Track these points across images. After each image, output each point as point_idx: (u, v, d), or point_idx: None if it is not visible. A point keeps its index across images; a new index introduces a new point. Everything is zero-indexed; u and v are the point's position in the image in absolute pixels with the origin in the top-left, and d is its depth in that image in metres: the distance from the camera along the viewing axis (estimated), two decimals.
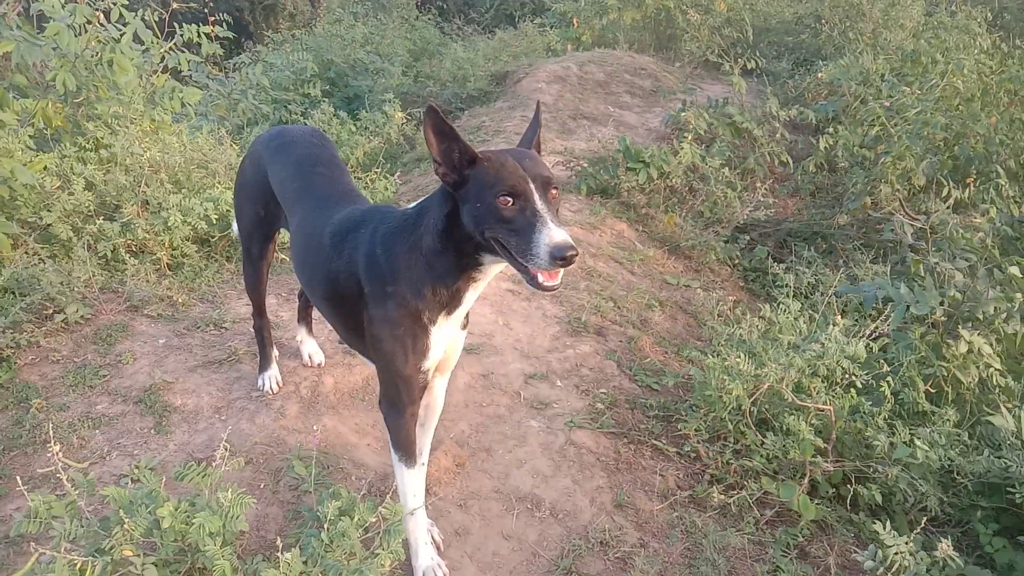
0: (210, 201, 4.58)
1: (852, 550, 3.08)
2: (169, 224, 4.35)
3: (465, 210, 2.13)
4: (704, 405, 3.44)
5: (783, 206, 7.08)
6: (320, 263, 2.56)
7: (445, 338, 2.43)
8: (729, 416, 3.36)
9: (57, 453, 2.36)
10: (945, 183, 6.16)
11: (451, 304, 2.32)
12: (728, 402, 3.29)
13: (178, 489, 2.75)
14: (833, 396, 3.39)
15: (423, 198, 2.38)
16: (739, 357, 3.19)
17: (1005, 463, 3.26)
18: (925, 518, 3.41)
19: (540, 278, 2.03)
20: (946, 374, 3.74)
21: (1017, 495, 3.18)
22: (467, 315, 2.52)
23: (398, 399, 2.47)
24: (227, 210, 4.64)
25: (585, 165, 5.94)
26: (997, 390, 3.79)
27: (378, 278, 2.38)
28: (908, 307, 3.73)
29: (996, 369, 3.71)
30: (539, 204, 2.01)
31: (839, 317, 3.60)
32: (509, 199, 2.03)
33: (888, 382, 3.38)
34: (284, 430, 3.26)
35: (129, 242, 4.35)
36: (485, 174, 2.08)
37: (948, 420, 3.48)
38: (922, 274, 4.32)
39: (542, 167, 2.12)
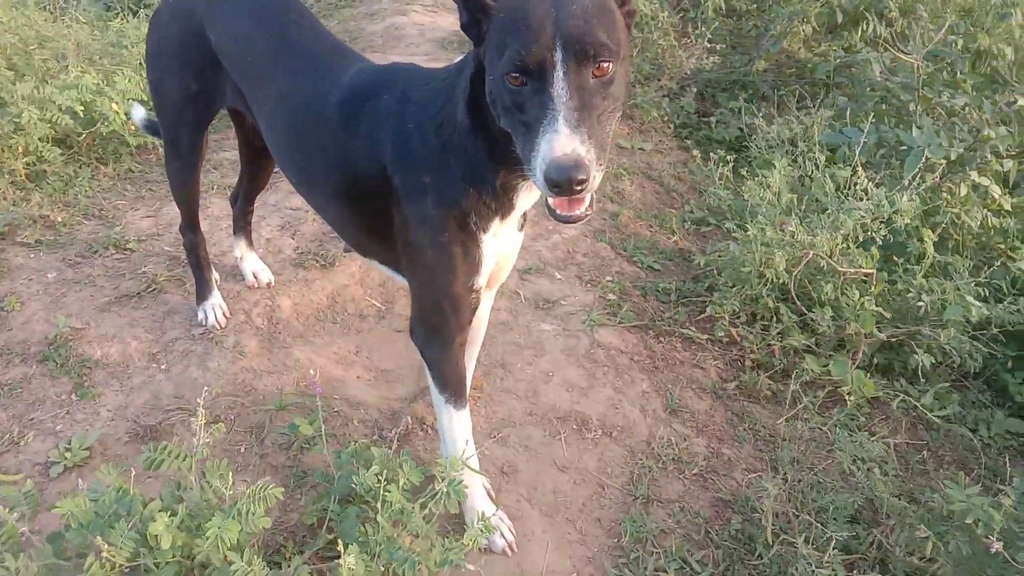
0: (69, 88, 3.56)
1: (913, 424, 2.82)
2: (22, 123, 3.34)
3: (487, 82, 1.49)
4: (736, 283, 3.01)
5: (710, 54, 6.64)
6: (325, 147, 1.86)
7: (499, 246, 1.82)
8: (766, 293, 2.95)
9: None
10: (869, 18, 5.89)
11: (501, 207, 1.70)
12: (769, 277, 2.87)
13: (141, 479, 2.04)
14: (861, 256, 3.04)
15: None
16: (791, 225, 2.74)
17: None
18: (958, 374, 3.26)
19: (551, 202, 1.42)
20: (954, 220, 3.48)
21: None
22: (525, 213, 1.89)
23: (443, 326, 1.86)
24: (91, 99, 3.64)
25: None
26: (991, 231, 3.60)
27: (411, 165, 1.72)
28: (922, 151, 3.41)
29: (1004, 210, 3.50)
30: (559, 86, 1.34)
31: (860, 170, 3.21)
32: (518, 75, 1.37)
33: (928, 234, 3.06)
34: (249, 373, 2.57)
35: None
36: (501, 28, 1.42)
37: (961, 270, 3.24)
38: (909, 118, 4.02)
39: (590, 22, 1.37)
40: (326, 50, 1.98)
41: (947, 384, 3.15)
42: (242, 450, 2.32)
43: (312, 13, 2.14)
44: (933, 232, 3.31)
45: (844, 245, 3.02)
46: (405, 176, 1.72)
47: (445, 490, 1.84)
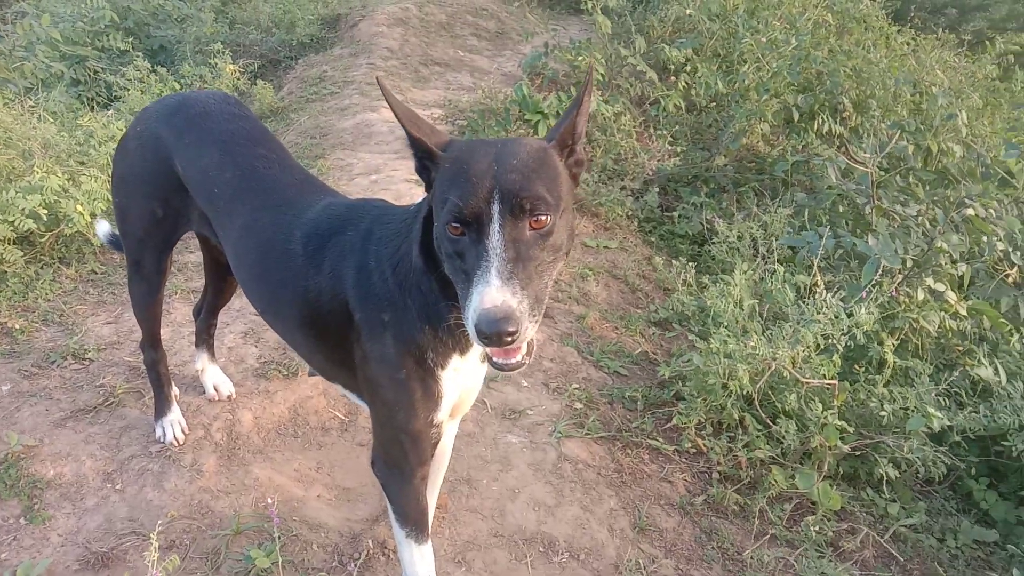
0: (33, 192, 3.55)
1: (879, 535, 2.81)
2: None
3: (434, 227, 1.53)
4: (700, 393, 3.02)
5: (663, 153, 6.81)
6: (289, 279, 1.85)
7: (462, 381, 1.81)
8: (731, 403, 2.96)
9: None
10: (823, 117, 6.13)
11: (458, 343, 1.70)
12: (733, 389, 2.89)
13: None
14: (823, 365, 3.08)
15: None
16: (753, 339, 2.78)
17: (996, 417, 3.10)
18: (922, 481, 3.28)
19: (489, 351, 1.42)
20: (912, 325, 3.55)
21: (1012, 447, 3.04)
22: None
23: (404, 460, 1.84)
24: (55, 200, 3.62)
25: (474, 116, 5.30)
26: (949, 335, 3.68)
27: (372, 302, 1.72)
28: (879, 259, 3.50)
29: (960, 316, 3.57)
30: (494, 239, 1.36)
31: (819, 278, 3.28)
32: (458, 226, 1.39)
33: (890, 345, 3.11)
34: (207, 494, 2.50)
35: None
36: (444, 179, 1.46)
37: (921, 375, 3.29)
38: (868, 223, 4.14)
39: (528, 175, 1.40)
40: (294, 183, 2.00)
41: (912, 492, 3.17)
42: None
43: (281, 144, 2.17)
44: (892, 337, 3.38)
45: (805, 354, 3.06)
46: (365, 312, 1.72)
47: None
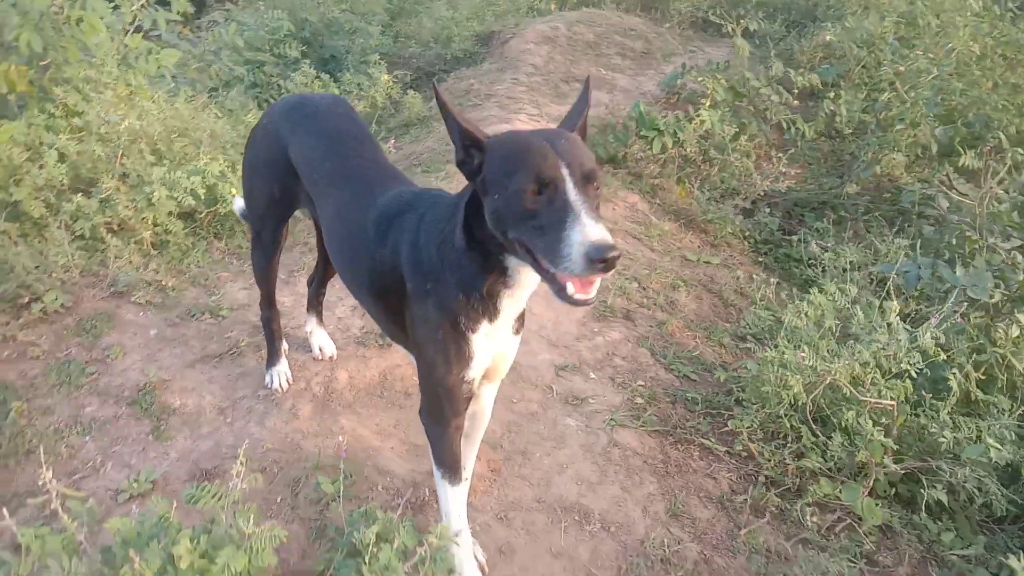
0: (196, 173, 4.16)
1: (923, 558, 2.85)
2: (153, 200, 3.94)
3: (485, 203, 1.81)
4: (757, 400, 3.17)
5: (791, 176, 6.82)
6: (363, 253, 2.24)
7: (492, 346, 2.11)
8: (784, 413, 3.09)
9: (50, 480, 2.02)
10: (961, 151, 5.94)
11: (488, 311, 2.00)
12: (786, 398, 3.02)
13: (187, 511, 2.40)
14: (888, 387, 3.13)
15: None
16: (803, 351, 2.91)
17: None
18: (986, 516, 3.24)
19: (570, 289, 1.68)
20: (999, 360, 3.50)
21: None
22: (522, 317, 2.19)
23: (441, 411, 2.16)
24: (214, 183, 4.23)
25: (592, 132, 5.59)
26: None
27: (420, 273, 2.06)
28: (965, 290, 3.50)
29: None
30: (573, 194, 1.65)
31: (895, 303, 3.33)
32: (534, 188, 1.68)
33: (955, 374, 3.13)
34: (299, 434, 2.93)
35: (109, 220, 3.93)
36: (503, 159, 1.76)
37: (1003, 410, 3.26)
38: (970, 254, 4.09)
39: (582, 153, 1.76)
40: (376, 175, 2.38)
41: (975, 526, 3.15)
42: (278, 500, 2.66)
43: (374, 139, 2.57)
44: (976, 371, 3.37)
45: (872, 375, 3.13)
46: (414, 282, 2.06)
47: (429, 554, 2.11)
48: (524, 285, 1.97)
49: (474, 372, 2.10)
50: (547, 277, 1.72)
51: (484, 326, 2.02)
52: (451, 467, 2.23)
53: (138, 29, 5.36)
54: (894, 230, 5.22)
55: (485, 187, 1.81)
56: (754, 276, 4.87)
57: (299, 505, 2.65)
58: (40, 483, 2.00)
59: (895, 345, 3.00)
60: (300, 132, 2.54)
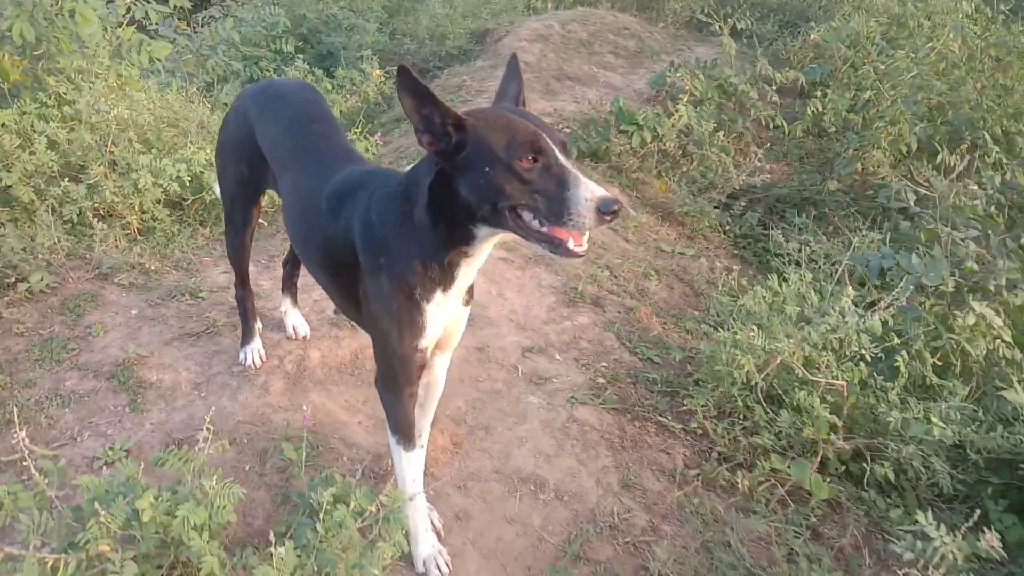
0: (182, 162, 4.30)
1: (868, 531, 2.97)
2: (139, 186, 4.08)
3: (466, 180, 1.92)
4: (712, 380, 3.29)
5: (770, 171, 6.93)
6: (316, 228, 2.36)
7: (444, 315, 2.24)
8: (738, 392, 3.21)
9: (23, 439, 2.15)
10: (940, 148, 6.04)
11: (445, 281, 2.13)
12: (738, 377, 3.14)
13: (157, 475, 2.53)
14: (843, 370, 3.25)
15: (417, 162, 2.17)
16: (753, 331, 3.03)
17: (1019, 439, 3.17)
18: (935, 495, 3.36)
19: (571, 243, 1.85)
20: (954, 347, 3.62)
21: None
22: (471, 290, 2.32)
23: (395, 379, 2.29)
24: (200, 171, 4.36)
25: (575, 127, 5.71)
26: (1003, 363, 3.69)
27: (372, 248, 2.18)
28: (919, 278, 3.61)
29: (1005, 342, 3.60)
30: (563, 159, 1.85)
31: (849, 288, 3.44)
32: (531, 157, 1.84)
33: (902, 356, 3.24)
34: (269, 407, 3.06)
35: (96, 205, 4.07)
36: (490, 136, 1.88)
37: (956, 394, 3.37)
38: (929, 243, 4.20)
39: (550, 125, 1.96)
40: (333, 154, 2.50)
41: (923, 504, 3.26)
42: (247, 468, 2.79)
43: (335, 121, 2.70)
44: (932, 356, 3.49)
45: (827, 357, 3.25)
46: (367, 257, 2.18)
47: (383, 514, 2.24)
48: (482, 254, 2.10)
49: (427, 341, 2.22)
50: (541, 237, 1.87)
51: (438, 295, 2.14)
52: (405, 433, 2.36)
53: (132, 21, 5.52)
54: (867, 225, 5.34)
55: (467, 164, 1.90)
56: (732, 268, 4.99)
57: (266, 473, 2.77)
58: (14, 442, 2.13)
59: (844, 328, 3.11)
60: (267, 113, 2.67)
